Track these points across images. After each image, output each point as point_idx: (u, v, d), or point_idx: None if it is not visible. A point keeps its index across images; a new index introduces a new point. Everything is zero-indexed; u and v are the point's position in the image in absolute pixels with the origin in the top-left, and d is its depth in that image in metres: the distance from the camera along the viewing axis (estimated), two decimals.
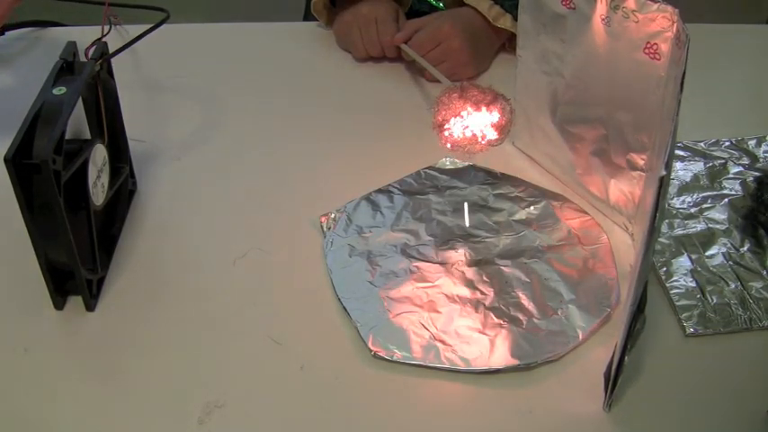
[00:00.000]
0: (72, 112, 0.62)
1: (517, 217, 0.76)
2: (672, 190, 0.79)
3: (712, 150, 0.85)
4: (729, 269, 0.71)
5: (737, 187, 0.80)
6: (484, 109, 0.70)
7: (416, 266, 0.71)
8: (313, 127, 0.90)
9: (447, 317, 0.66)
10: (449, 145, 0.71)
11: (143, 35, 0.75)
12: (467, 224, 0.74)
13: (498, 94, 0.72)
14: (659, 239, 0.74)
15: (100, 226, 0.70)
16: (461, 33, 0.94)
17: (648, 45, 0.64)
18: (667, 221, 0.76)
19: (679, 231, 0.75)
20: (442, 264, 0.71)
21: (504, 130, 0.71)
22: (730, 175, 0.81)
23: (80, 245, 0.64)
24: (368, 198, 0.78)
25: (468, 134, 0.71)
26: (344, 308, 0.67)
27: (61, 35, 1.04)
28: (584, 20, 0.69)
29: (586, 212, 0.77)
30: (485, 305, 0.67)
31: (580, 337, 0.65)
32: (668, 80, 0.63)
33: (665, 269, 0.71)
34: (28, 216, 0.60)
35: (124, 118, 0.75)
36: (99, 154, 0.68)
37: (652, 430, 0.60)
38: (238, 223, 0.77)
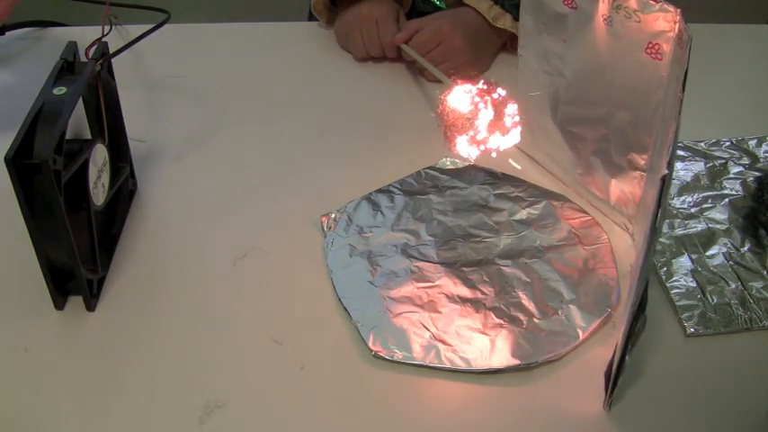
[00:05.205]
0: (72, 112, 0.62)
1: (518, 217, 0.76)
2: (672, 190, 0.79)
3: (713, 150, 0.85)
4: (730, 269, 0.71)
5: (738, 187, 0.80)
6: (487, 103, 0.70)
7: (417, 266, 0.71)
8: (313, 127, 0.90)
9: (447, 317, 0.66)
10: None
11: (144, 36, 0.75)
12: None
13: (490, 84, 0.72)
14: (660, 239, 0.74)
15: (100, 226, 0.70)
16: (462, 33, 0.94)
17: (650, 45, 0.64)
18: (668, 221, 0.76)
19: (679, 231, 0.75)
20: (442, 264, 0.71)
21: (514, 114, 0.71)
22: (731, 175, 0.81)
23: (80, 245, 0.64)
24: (368, 198, 0.78)
25: (488, 135, 0.71)
26: (345, 308, 0.67)
27: (62, 35, 1.04)
28: (585, 19, 0.69)
29: (587, 212, 0.77)
30: (485, 305, 0.67)
31: (580, 336, 0.65)
32: (670, 80, 0.63)
33: (665, 269, 0.71)
34: (28, 216, 0.60)
35: (124, 118, 0.75)
36: (99, 154, 0.68)
37: (652, 430, 0.60)
38: (238, 223, 0.77)
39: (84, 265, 0.65)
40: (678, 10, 0.60)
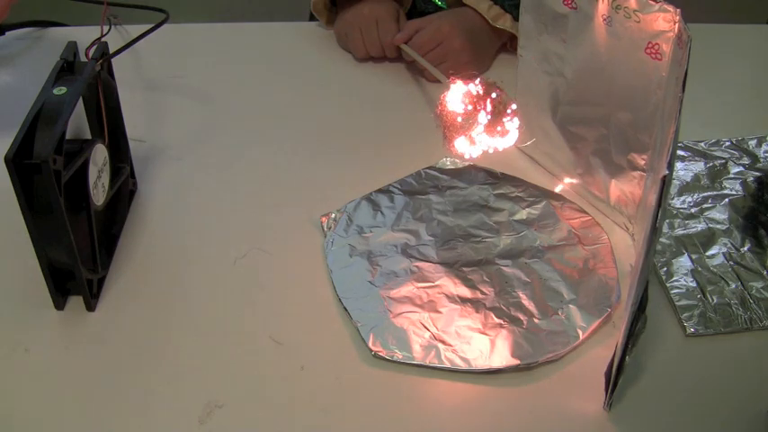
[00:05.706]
0: (72, 112, 0.62)
1: (517, 217, 0.76)
2: (672, 190, 0.79)
3: (713, 150, 0.85)
4: (730, 269, 0.71)
5: (738, 187, 0.80)
6: (487, 102, 0.70)
7: (417, 266, 0.71)
8: (313, 127, 0.90)
9: (447, 317, 0.66)
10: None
11: (143, 35, 0.75)
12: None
13: (489, 84, 0.71)
14: (660, 239, 0.74)
15: (100, 226, 0.70)
16: (462, 33, 0.95)
17: (650, 45, 0.64)
18: (668, 221, 0.76)
19: (680, 231, 0.75)
20: (442, 264, 0.71)
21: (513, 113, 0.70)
22: (731, 175, 0.81)
23: (81, 245, 0.64)
24: (368, 198, 0.78)
25: (487, 135, 0.71)
26: (345, 308, 0.67)
27: (62, 35, 1.04)
28: (585, 20, 0.69)
29: (587, 212, 0.77)
30: (485, 305, 0.67)
31: (581, 337, 0.65)
32: (669, 80, 0.63)
33: (665, 269, 0.71)
34: (28, 216, 0.60)
35: (124, 118, 0.75)
36: (99, 154, 0.68)
37: (652, 430, 0.60)
38: (238, 223, 0.77)
39: (84, 265, 0.65)
40: (678, 10, 0.60)
